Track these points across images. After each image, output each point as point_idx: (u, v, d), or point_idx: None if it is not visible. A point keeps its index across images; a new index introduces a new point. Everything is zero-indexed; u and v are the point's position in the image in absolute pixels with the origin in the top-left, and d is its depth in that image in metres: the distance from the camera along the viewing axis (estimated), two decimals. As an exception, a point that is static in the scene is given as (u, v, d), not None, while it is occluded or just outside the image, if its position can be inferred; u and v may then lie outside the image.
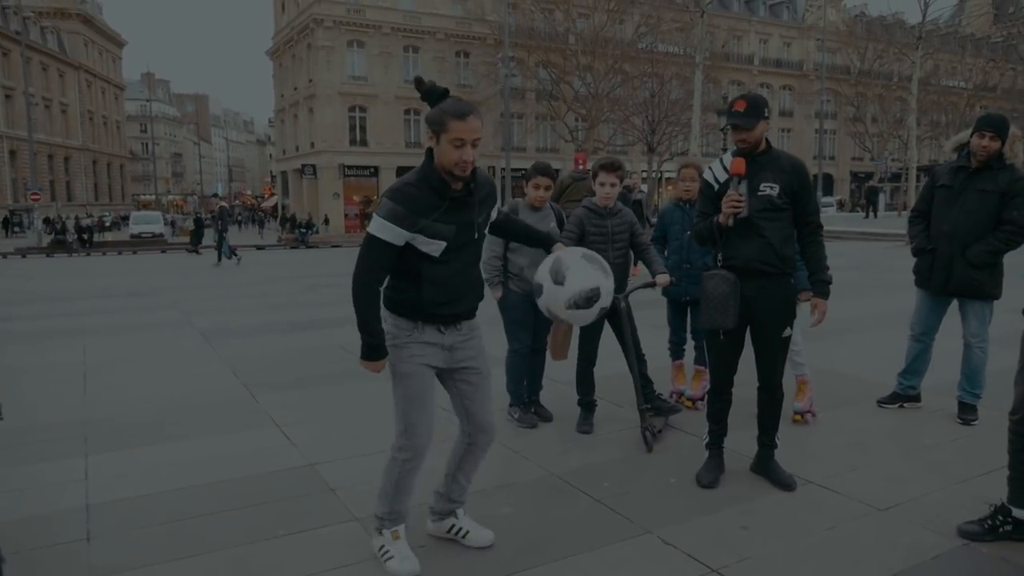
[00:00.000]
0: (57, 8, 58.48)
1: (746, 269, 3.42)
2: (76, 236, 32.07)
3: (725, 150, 22.11)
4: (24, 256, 26.34)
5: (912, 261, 4.73)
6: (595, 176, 4.32)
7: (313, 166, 40.49)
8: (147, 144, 79.21)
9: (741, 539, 3.05)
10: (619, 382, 4.96)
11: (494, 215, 2.92)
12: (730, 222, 3.40)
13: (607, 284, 3.02)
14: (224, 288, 13.47)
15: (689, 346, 5.05)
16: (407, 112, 41.04)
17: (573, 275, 2.93)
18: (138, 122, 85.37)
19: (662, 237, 4.85)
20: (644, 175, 38.13)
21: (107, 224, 48.75)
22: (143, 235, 36.66)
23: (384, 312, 2.73)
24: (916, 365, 4.77)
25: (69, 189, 57.87)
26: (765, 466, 3.67)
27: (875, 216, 36.26)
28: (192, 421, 4.81)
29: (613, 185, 4.26)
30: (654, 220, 5.62)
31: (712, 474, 3.64)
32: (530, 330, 4.57)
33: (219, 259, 18.87)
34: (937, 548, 2.95)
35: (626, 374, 4.42)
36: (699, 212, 3.66)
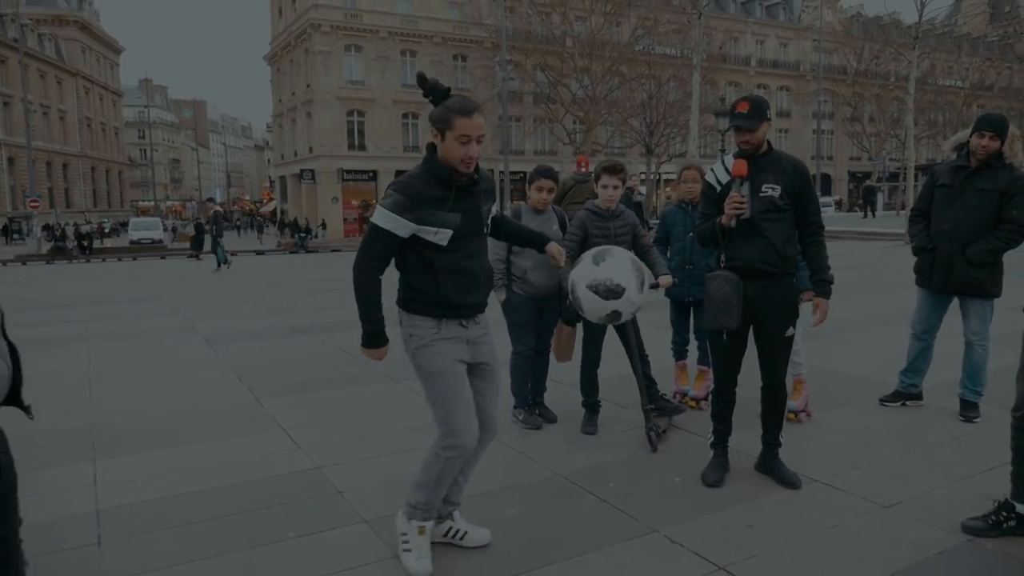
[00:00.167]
0: (54, 15, 58.56)
1: (748, 270, 3.45)
2: (76, 243, 32.07)
3: (723, 151, 22.06)
4: (24, 263, 26.35)
5: (912, 260, 4.77)
6: (597, 178, 4.35)
7: (312, 171, 40.54)
8: (145, 150, 79.20)
9: (747, 537, 3.08)
10: (623, 383, 4.99)
11: (494, 210, 2.97)
12: (732, 223, 3.43)
13: (635, 295, 3.05)
14: (225, 293, 13.48)
15: (692, 346, 5.08)
16: (405, 116, 41.11)
17: (611, 264, 2.98)
18: (136, 128, 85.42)
19: (664, 239, 4.88)
20: (643, 177, 38.19)
21: (106, 230, 48.77)
22: (142, 241, 36.68)
23: (404, 316, 2.76)
24: (918, 363, 4.80)
25: (68, 196, 57.88)
26: (769, 465, 3.69)
27: (873, 216, 36.33)
28: (198, 426, 4.83)
29: (616, 187, 4.29)
30: (653, 222, 5.65)
31: (717, 473, 3.67)
32: (534, 332, 4.60)
33: (218, 265, 18.82)
34: (941, 544, 2.98)
35: (629, 375, 4.45)
36: (701, 214, 3.69)
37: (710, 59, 38.66)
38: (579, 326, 4.50)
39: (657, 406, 4.41)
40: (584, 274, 2.98)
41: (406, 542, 2.86)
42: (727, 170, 3.52)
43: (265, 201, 71.80)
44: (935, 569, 2.81)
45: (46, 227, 35.83)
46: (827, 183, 52.47)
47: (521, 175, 39.89)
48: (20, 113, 38.83)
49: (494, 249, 4.46)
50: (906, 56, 31.02)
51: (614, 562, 2.90)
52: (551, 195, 4.47)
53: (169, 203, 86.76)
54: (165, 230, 41.71)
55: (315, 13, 38.50)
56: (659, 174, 41.57)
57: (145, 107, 76.26)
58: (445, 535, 3.04)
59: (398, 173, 40.27)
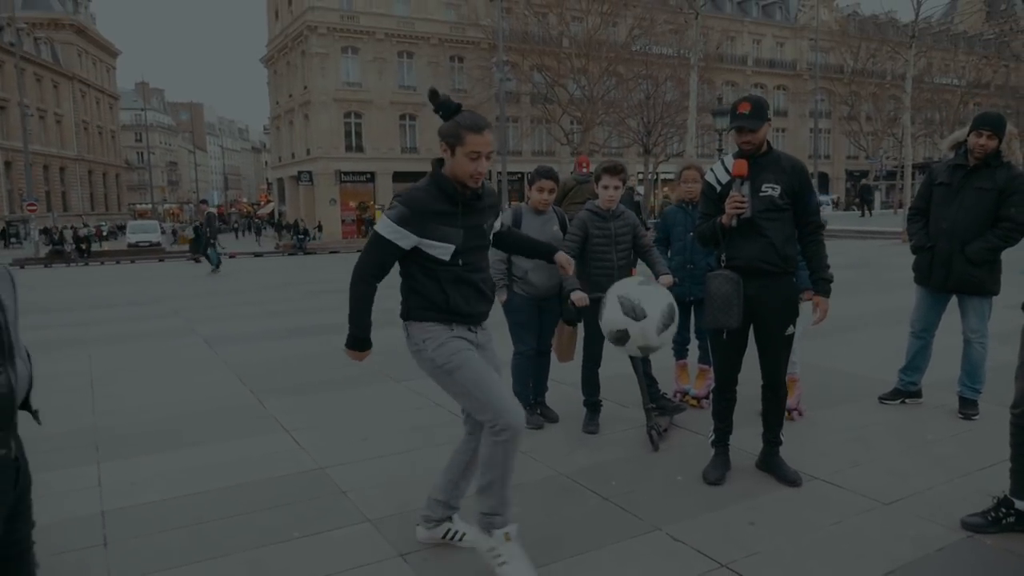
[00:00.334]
0: (51, 19, 58.50)
1: (749, 269, 3.47)
2: (74, 246, 32.03)
3: (721, 150, 22.05)
4: (22, 267, 26.31)
5: (911, 258, 4.79)
6: (598, 179, 4.37)
7: (309, 173, 40.53)
8: (142, 153, 79.21)
9: (749, 534, 3.10)
10: (624, 383, 5.01)
11: (497, 226, 2.99)
12: (733, 223, 3.45)
13: (651, 332, 3.11)
14: (225, 296, 13.49)
15: (693, 345, 5.10)
16: (403, 117, 41.11)
17: (648, 304, 3.00)
18: (133, 131, 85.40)
19: (665, 238, 4.91)
20: (640, 177, 38.26)
21: (104, 234, 48.74)
22: (141, 244, 36.65)
23: (413, 326, 2.77)
24: (917, 361, 4.83)
25: (65, 199, 57.81)
26: (770, 463, 3.72)
27: (869, 214, 36.42)
28: (201, 427, 4.85)
29: (616, 188, 4.31)
30: (650, 222, 5.68)
31: (718, 471, 3.69)
32: (535, 332, 4.62)
33: (216, 266, 18.76)
34: (942, 541, 3.00)
35: (630, 374, 4.47)
36: (702, 213, 3.72)
37: (707, 59, 38.77)
38: (580, 326, 4.53)
39: (658, 405, 4.44)
40: (648, 331, 3.03)
41: (498, 556, 2.73)
42: (727, 170, 3.54)
43: (263, 203, 71.81)
44: (936, 565, 2.84)
45: (45, 231, 35.79)
46: (824, 182, 52.56)
47: (519, 176, 39.95)
48: (17, 117, 38.77)
49: (494, 249, 4.48)
50: (902, 55, 31.09)
51: (616, 560, 2.92)
52: (552, 196, 4.49)
53: (167, 206, 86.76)
54: (163, 233, 41.67)
55: (312, 15, 38.50)
56: (657, 174, 41.60)
57: (142, 110, 76.31)
58: (444, 536, 3.06)
59: (396, 175, 40.39)
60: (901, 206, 30.77)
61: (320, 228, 39.03)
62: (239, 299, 12.80)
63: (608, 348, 4.55)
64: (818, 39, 44.01)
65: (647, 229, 4.76)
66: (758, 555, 2.92)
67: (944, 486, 3.54)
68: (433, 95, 2.71)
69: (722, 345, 3.63)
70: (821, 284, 3.59)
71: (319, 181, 40.12)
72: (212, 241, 18.60)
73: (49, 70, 56.39)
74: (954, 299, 4.64)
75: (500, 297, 4.54)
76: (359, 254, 2.75)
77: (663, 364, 5.02)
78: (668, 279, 4.41)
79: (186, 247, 28.47)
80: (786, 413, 4.52)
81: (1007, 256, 4.43)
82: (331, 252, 30.37)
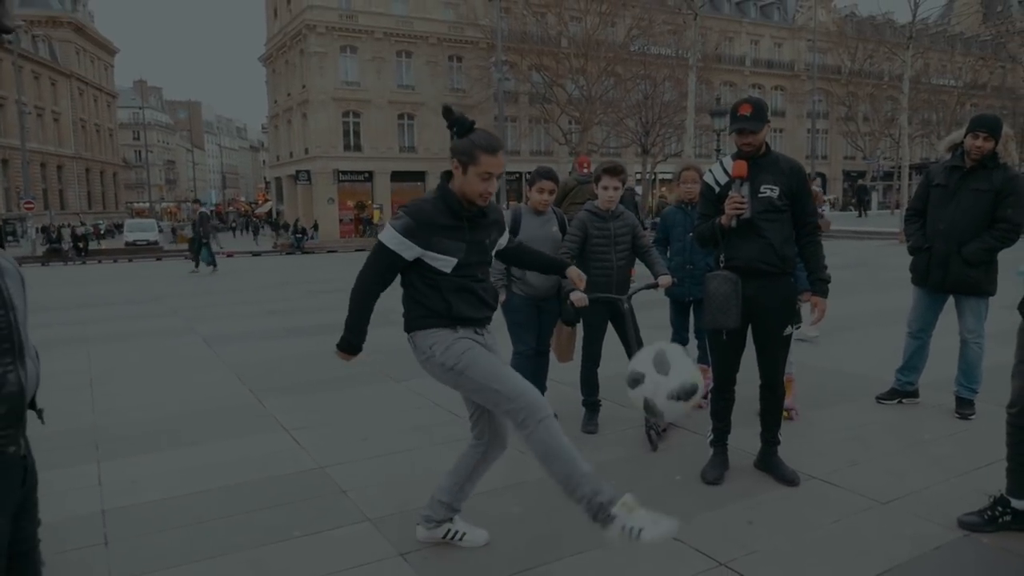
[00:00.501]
0: (49, 16, 58.33)
1: (748, 269, 3.49)
2: (71, 244, 31.98)
3: (719, 150, 22.03)
4: (20, 265, 26.24)
5: (908, 259, 4.82)
6: (597, 180, 4.39)
7: (307, 172, 40.50)
8: (140, 152, 79.08)
9: (748, 533, 3.12)
10: (622, 382, 4.99)
11: (503, 242, 3.00)
12: (732, 223, 3.47)
13: (701, 382, 3.08)
14: (223, 295, 13.49)
15: (692, 345, 5.12)
16: (401, 117, 41.09)
17: (677, 368, 2.98)
18: (131, 130, 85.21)
19: (664, 239, 4.93)
20: (638, 177, 38.29)
21: (102, 232, 48.66)
22: (138, 243, 36.61)
23: (419, 335, 2.77)
24: (914, 361, 4.85)
25: (62, 198, 57.71)
26: (768, 462, 3.74)
27: (865, 214, 36.53)
28: (201, 427, 4.86)
29: (616, 188, 4.33)
30: (647, 222, 5.69)
31: (717, 471, 3.71)
32: (534, 332, 4.63)
33: (214, 266, 18.69)
34: (939, 539, 3.02)
35: (629, 374, 4.49)
36: (700, 214, 3.74)
37: (705, 59, 38.81)
38: (578, 326, 4.54)
39: (657, 405, 4.45)
40: (659, 388, 2.99)
41: (631, 529, 2.52)
42: (726, 171, 3.57)
43: (260, 202, 71.72)
44: (933, 564, 2.86)
45: (43, 229, 35.75)
46: (822, 182, 52.60)
47: (517, 176, 39.96)
48: (14, 115, 38.71)
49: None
50: (900, 56, 31.15)
51: (616, 559, 2.94)
52: (552, 197, 4.51)
53: (164, 205, 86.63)
54: (161, 232, 41.62)
55: (310, 14, 38.47)
56: (655, 174, 41.63)
57: (140, 108, 76.23)
58: (444, 536, 3.07)
59: (394, 174, 40.32)
60: (898, 206, 30.85)
61: (316, 227, 38.96)
62: (237, 298, 12.80)
63: (607, 348, 4.58)
64: (816, 40, 44.03)
65: (644, 228, 4.78)
66: (757, 554, 2.94)
67: (941, 485, 3.56)
68: (447, 112, 2.73)
69: (721, 345, 3.65)
70: (819, 285, 3.61)
71: (317, 180, 40.10)
72: (206, 241, 18.54)
73: (47, 68, 56.27)
74: (951, 299, 4.66)
75: (499, 297, 4.55)
76: (365, 262, 2.76)
77: (662, 364, 5.03)
78: (667, 280, 4.43)
79: (185, 246, 28.41)
80: (786, 412, 4.57)
81: (1003, 257, 4.46)
82: (329, 251, 30.36)
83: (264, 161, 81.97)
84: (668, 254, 4.91)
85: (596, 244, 4.36)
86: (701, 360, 5.04)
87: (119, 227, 49.75)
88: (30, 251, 31.36)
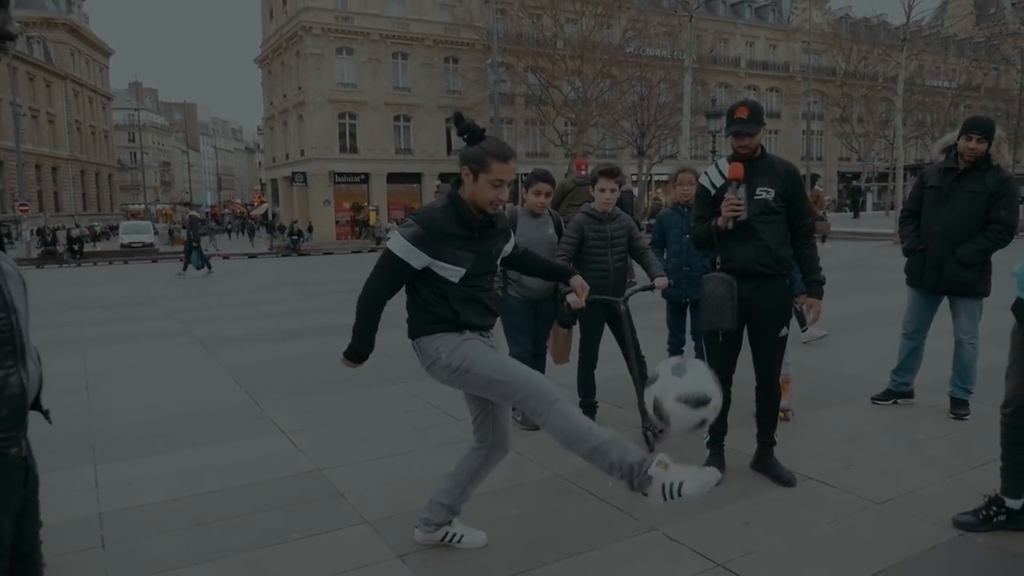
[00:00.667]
0: (43, 18, 58.16)
1: (744, 271, 3.51)
2: (67, 247, 31.88)
3: (714, 152, 22.05)
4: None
5: (903, 260, 4.84)
6: (594, 182, 4.41)
7: (303, 173, 40.45)
8: (135, 153, 78.83)
9: (744, 534, 3.13)
10: (619, 384, 5.03)
11: (508, 249, 3.00)
12: (729, 225, 3.49)
13: (718, 399, 3.08)
14: (219, 297, 13.48)
15: (689, 346, 5.14)
16: (397, 119, 41.08)
17: (694, 375, 2.99)
18: (126, 131, 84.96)
19: (661, 241, 4.95)
20: (634, 179, 38.34)
21: (97, 233, 48.52)
22: (133, 245, 36.49)
23: (425, 340, 2.76)
24: (909, 362, 4.88)
25: (57, 199, 57.53)
26: (765, 463, 3.76)
27: (857, 215, 36.69)
28: (198, 429, 4.85)
29: (613, 191, 4.35)
30: (643, 223, 5.71)
31: (713, 472, 3.72)
32: (530, 334, 4.64)
33: (208, 269, 18.61)
34: (934, 539, 3.04)
35: (626, 376, 4.51)
36: (696, 216, 3.76)
37: (701, 61, 38.88)
38: (575, 328, 4.56)
39: (654, 406, 4.46)
40: (669, 387, 3.01)
41: (670, 487, 2.46)
42: (721, 173, 3.59)
43: (256, 204, 71.61)
44: (928, 564, 2.88)
45: (39, 231, 35.63)
46: (814, 183, 52.72)
47: (517, 177, 39.96)
48: (9, 116, 38.62)
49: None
50: (894, 57, 31.31)
51: (613, 560, 2.95)
52: (548, 199, 4.52)
53: (159, 206, 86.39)
54: (156, 234, 41.50)
55: (306, 16, 38.45)
56: (651, 175, 41.70)
57: (135, 110, 75.83)
58: (443, 539, 3.07)
59: (390, 176, 40.27)
60: (893, 207, 30.98)
61: (311, 229, 38.87)
62: (233, 300, 12.79)
63: (603, 350, 4.59)
64: (811, 41, 44.16)
65: (640, 230, 4.80)
66: (753, 554, 2.95)
67: (936, 485, 3.58)
68: (458, 119, 2.72)
69: (717, 346, 3.67)
70: (814, 286, 3.64)
71: (313, 182, 40.06)
72: (196, 244, 18.50)
73: (42, 69, 56.12)
74: (945, 300, 4.69)
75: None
76: (372, 270, 2.73)
77: (658, 365, 5.05)
78: (663, 281, 4.45)
79: (181, 248, 28.35)
80: (782, 413, 4.60)
81: (997, 258, 4.49)
82: (325, 253, 30.33)
83: (260, 163, 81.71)
84: (665, 256, 4.93)
85: (593, 246, 4.38)
86: (698, 361, 5.07)
87: (114, 229, 49.65)
88: (25, 253, 31.25)
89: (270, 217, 50.50)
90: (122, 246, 36.74)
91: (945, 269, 4.49)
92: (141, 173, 71.22)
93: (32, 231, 34.71)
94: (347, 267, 21.16)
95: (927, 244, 4.58)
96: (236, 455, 4.30)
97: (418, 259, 2.66)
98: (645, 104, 37.75)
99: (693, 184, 4.58)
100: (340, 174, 40.20)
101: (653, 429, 4.26)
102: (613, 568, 2.89)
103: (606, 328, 4.55)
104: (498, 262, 2.96)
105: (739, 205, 3.44)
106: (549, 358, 4.78)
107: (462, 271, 2.70)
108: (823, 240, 18.37)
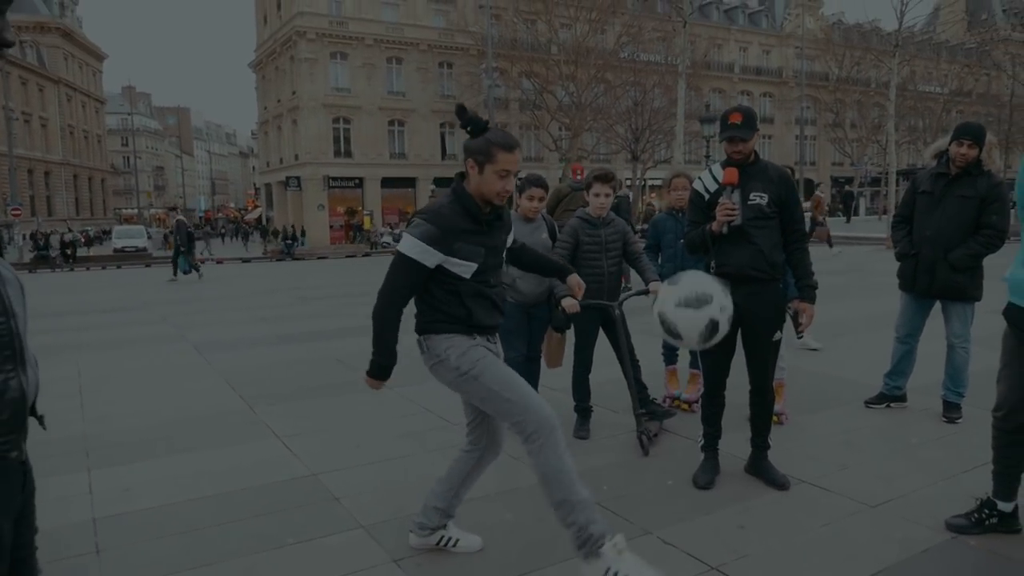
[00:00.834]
0: (36, 22, 58.03)
1: (738, 276, 3.53)
2: (59, 251, 31.76)
3: (708, 157, 22.06)
4: (7, 272, 26.02)
5: (896, 265, 4.88)
6: (589, 187, 4.43)
7: (297, 178, 40.44)
8: (128, 158, 78.70)
9: (739, 538, 3.14)
10: (614, 388, 5.05)
11: (508, 241, 2.99)
12: (724, 230, 3.51)
13: (723, 299, 3.04)
14: (213, 301, 13.45)
15: (683, 352, 5.15)
16: (391, 123, 41.13)
17: (688, 279, 3.01)
18: (119, 136, 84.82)
19: (655, 245, 4.97)
20: (628, 183, 38.42)
21: (91, 237, 48.36)
22: (127, 249, 36.37)
23: (433, 339, 2.72)
24: (902, 366, 4.91)
25: (50, 204, 57.30)
26: (759, 467, 3.77)
27: (849, 220, 36.87)
28: (192, 434, 4.84)
29: (607, 195, 4.37)
30: (637, 228, 5.73)
31: (708, 475, 3.74)
32: (525, 338, 4.65)
33: (192, 272, 18.55)
34: (927, 542, 3.06)
35: (621, 380, 4.52)
36: (690, 221, 3.78)
37: (694, 66, 39.07)
38: (569, 333, 4.57)
39: (648, 410, 4.48)
40: (667, 298, 3.02)
41: (615, 573, 2.48)
42: (715, 178, 3.61)
43: (250, 209, 71.47)
44: (921, 566, 2.89)
45: (32, 236, 35.50)
46: (810, 188, 52.91)
47: (508, 181, 39.96)
48: (1, 121, 38.53)
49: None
50: (886, 63, 31.47)
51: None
52: (542, 204, 4.53)
53: (153, 211, 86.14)
54: (150, 238, 41.39)
55: (300, 20, 38.48)
56: (645, 180, 41.81)
57: (128, 114, 75.89)
58: (438, 543, 3.07)
59: (384, 180, 40.23)
60: (886, 212, 31.11)
61: (303, 233, 38.79)
62: (228, 305, 12.76)
63: (598, 353, 4.60)
64: (803, 47, 44.46)
65: (635, 234, 4.82)
66: (748, 557, 2.96)
67: (929, 488, 3.60)
68: (461, 111, 2.68)
69: (711, 351, 3.68)
70: (806, 291, 3.66)
71: (307, 186, 40.05)
72: (183, 249, 18.47)
73: (34, 73, 55.96)
74: (938, 305, 4.72)
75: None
76: (385, 277, 2.66)
77: (653, 370, 5.08)
78: (657, 286, 4.45)
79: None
80: (776, 417, 4.62)
81: (989, 262, 4.52)
82: (319, 258, 30.30)
83: (254, 167, 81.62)
84: (659, 260, 4.94)
85: (587, 251, 4.40)
86: (693, 365, 5.09)
87: (107, 234, 49.46)
88: (17, 258, 31.13)
89: (264, 221, 50.41)
90: (115, 251, 36.65)
91: (937, 274, 4.53)
92: (134, 177, 71.01)
93: (24, 236, 34.58)
94: (342, 272, 21.15)
95: (919, 249, 4.62)
96: (231, 460, 4.29)
97: (432, 258, 2.61)
98: (639, 109, 37.87)
99: (687, 189, 4.60)
100: (334, 178, 40.21)
101: (648, 433, 4.27)
102: (608, 572, 2.89)
103: (601, 332, 4.56)
104: (504, 253, 2.93)
105: (734, 210, 3.46)
106: (543, 362, 4.79)
107: (474, 266, 2.66)
108: (831, 245, 18.41)
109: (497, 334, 2.90)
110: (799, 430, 4.59)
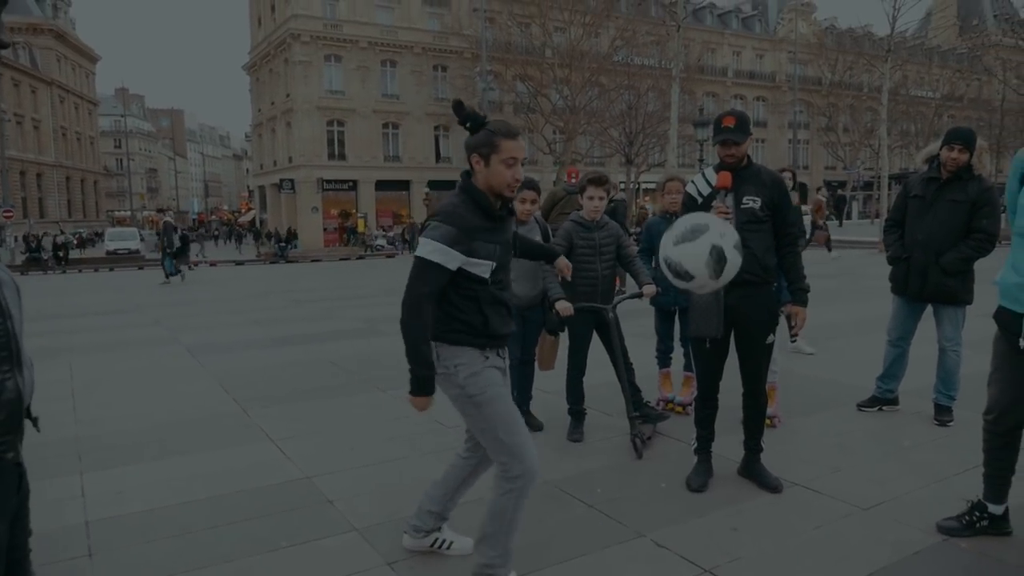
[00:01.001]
0: (29, 23, 57.78)
1: (731, 279, 3.54)
2: (52, 253, 31.60)
3: (702, 160, 22.11)
4: None
5: (888, 268, 4.90)
6: (583, 190, 4.45)
7: (291, 180, 40.35)
8: (121, 160, 78.37)
9: (732, 540, 3.16)
10: (608, 391, 5.06)
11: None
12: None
13: (721, 226, 3.02)
14: (206, 304, 13.41)
15: (678, 353, 5.18)
16: (385, 126, 41.10)
17: (681, 220, 3.03)
18: (112, 138, 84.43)
19: (649, 249, 4.98)
20: (623, 186, 38.50)
21: (84, 238, 48.13)
22: (119, 252, 36.20)
23: (444, 349, 2.63)
24: (894, 369, 4.93)
25: (42, 206, 57.03)
26: (752, 469, 3.79)
27: (842, 224, 37.06)
28: (186, 437, 4.83)
29: (601, 199, 4.39)
30: (631, 231, 5.75)
31: (701, 478, 3.75)
32: (518, 342, 4.65)
33: (170, 274, 18.50)
34: (919, 544, 3.07)
35: (614, 383, 4.54)
36: (684, 225, 3.79)
37: (688, 70, 39.15)
38: (562, 336, 4.58)
39: (642, 413, 4.49)
40: (666, 242, 3.04)
41: None
42: (708, 182, 3.63)
43: (244, 211, 71.27)
44: (913, 568, 2.91)
45: (24, 238, 35.30)
46: (803, 192, 53.15)
47: (502, 184, 39.95)
48: (-6, 123, 38.36)
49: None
50: (879, 68, 31.68)
51: (602, 566, 2.96)
52: (534, 206, 4.55)
53: (146, 213, 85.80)
54: (142, 240, 41.21)
55: (295, 23, 38.44)
56: (638, 183, 41.91)
57: (121, 116, 75.41)
58: (432, 545, 3.08)
59: (378, 183, 40.17)
60: (878, 216, 31.30)
61: (295, 236, 38.56)
62: (221, 308, 12.73)
63: (592, 356, 4.61)
64: (797, 52, 44.64)
65: (629, 236, 4.84)
66: (741, 560, 2.98)
67: (921, 491, 3.62)
68: (458, 107, 2.61)
69: (704, 353, 3.70)
70: (798, 294, 3.69)
71: (301, 189, 39.96)
72: (169, 251, 18.43)
73: (27, 75, 55.73)
74: (929, 308, 4.75)
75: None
76: (407, 285, 2.53)
77: (646, 373, 5.09)
78: (651, 289, 4.48)
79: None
80: (769, 420, 4.63)
81: (980, 266, 4.55)
82: (313, 260, 30.23)
83: (247, 170, 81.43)
84: (653, 264, 4.95)
85: (581, 254, 4.41)
86: (686, 368, 5.11)
87: (100, 236, 49.26)
88: (9, 260, 30.94)
89: (258, 224, 50.27)
90: (108, 253, 36.47)
91: (929, 277, 4.56)
92: (127, 180, 70.72)
93: (16, 238, 34.42)
94: (335, 274, 21.12)
95: (911, 253, 4.64)
96: (224, 463, 4.29)
97: (454, 260, 2.50)
98: (633, 113, 37.97)
99: (680, 193, 4.61)
100: (328, 181, 40.14)
101: (641, 436, 4.28)
102: (602, 574, 2.91)
103: (595, 335, 4.58)
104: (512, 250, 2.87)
105: (727, 213, 3.48)
106: (536, 366, 4.79)
107: (492, 264, 2.58)
108: (829, 249, 18.47)
109: (507, 346, 2.80)
110: (792, 433, 4.61)
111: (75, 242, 41.72)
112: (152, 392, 6.19)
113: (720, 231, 3.08)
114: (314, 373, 6.70)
